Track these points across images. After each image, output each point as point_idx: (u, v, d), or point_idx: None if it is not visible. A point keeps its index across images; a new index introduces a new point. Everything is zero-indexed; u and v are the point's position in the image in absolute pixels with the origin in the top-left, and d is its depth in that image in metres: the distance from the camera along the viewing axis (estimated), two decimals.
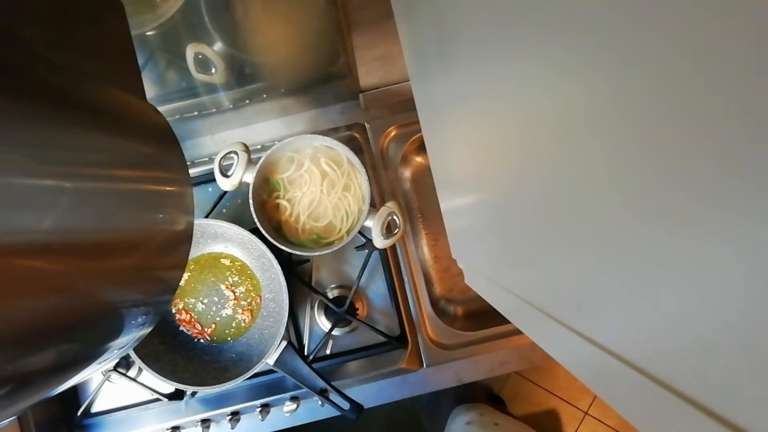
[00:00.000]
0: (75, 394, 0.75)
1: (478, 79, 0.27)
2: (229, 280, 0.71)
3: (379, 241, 0.64)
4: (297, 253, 0.63)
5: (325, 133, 0.73)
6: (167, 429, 0.72)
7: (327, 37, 0.62)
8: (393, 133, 0.77)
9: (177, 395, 0.72)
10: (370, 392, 0.72)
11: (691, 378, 0.14)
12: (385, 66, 0.72)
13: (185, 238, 0.34)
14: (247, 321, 0.71)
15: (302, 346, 0.73)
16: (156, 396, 0.71)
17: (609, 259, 0.17)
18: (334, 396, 0.65)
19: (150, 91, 0.63)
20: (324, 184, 0.66)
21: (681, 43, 0.11)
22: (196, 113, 0.70)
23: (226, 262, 0.71)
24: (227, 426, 0.71)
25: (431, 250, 0.80)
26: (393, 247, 0.73)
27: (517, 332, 0.72)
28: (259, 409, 0.71)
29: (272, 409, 0.72)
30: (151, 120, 0.33)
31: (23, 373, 0.20)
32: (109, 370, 0.71)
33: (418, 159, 0.80)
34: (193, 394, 0.73)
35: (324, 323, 0.74)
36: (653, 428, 0.17)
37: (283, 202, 0.66)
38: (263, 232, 0.63)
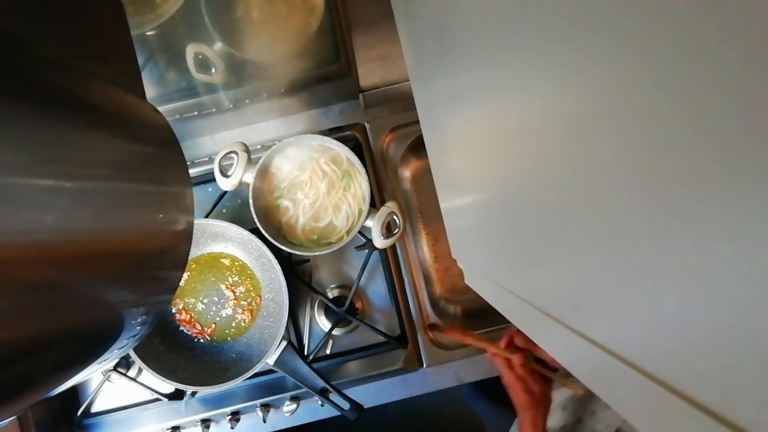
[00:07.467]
0: (75, 394, 0.75)
1: (478, 79, 0.27)
2: (229, 280, 0.71)
3: (379, 241, 0.64)
4: (297, 253, 0.63)
5: (325, 133, 0.73)
6: (167, 429, 0.72)
7: (327, 37, 0.62)
8: (393, 133, 0.77)
9: (177, 395, 0.72)
10: (370, 392, 0.72)
11: (691, 378, 0.14)
12: (385, 66, 0.72)
13: (185, 238, 0.34)
14: (247, 321, 0.71)
15: (302, 346, 0.73)
16: (156, 396, 0.71)
17: (609, 259, 0.17)
18: (334, 396, 0.65)
19: (150, 91, 0.63)
20: (324, 184, 0.66)
21: (682, 40, 0.11)
22: (196, 113, 0.70)
23: (226, 262, 0.71)
24: (227, 426, 0.72)
25: (431, 250, 0.80)
26: (393, 247, 0.73)
27: None
28: (259, 409, 0.71)
29: (272, 409, 0.72)
30: (151, 120, 0.33)
31: (23, 372, 0.20)
32: (109, 370, 0.71)
33: (418, 159, 0.80)
34: (193, 394, 0.73)
35: (324, 323, 0.74)
36: (653, 428, 0.17)
37: (284, 202, 0.66)
38: (263, 232, 0.63)
